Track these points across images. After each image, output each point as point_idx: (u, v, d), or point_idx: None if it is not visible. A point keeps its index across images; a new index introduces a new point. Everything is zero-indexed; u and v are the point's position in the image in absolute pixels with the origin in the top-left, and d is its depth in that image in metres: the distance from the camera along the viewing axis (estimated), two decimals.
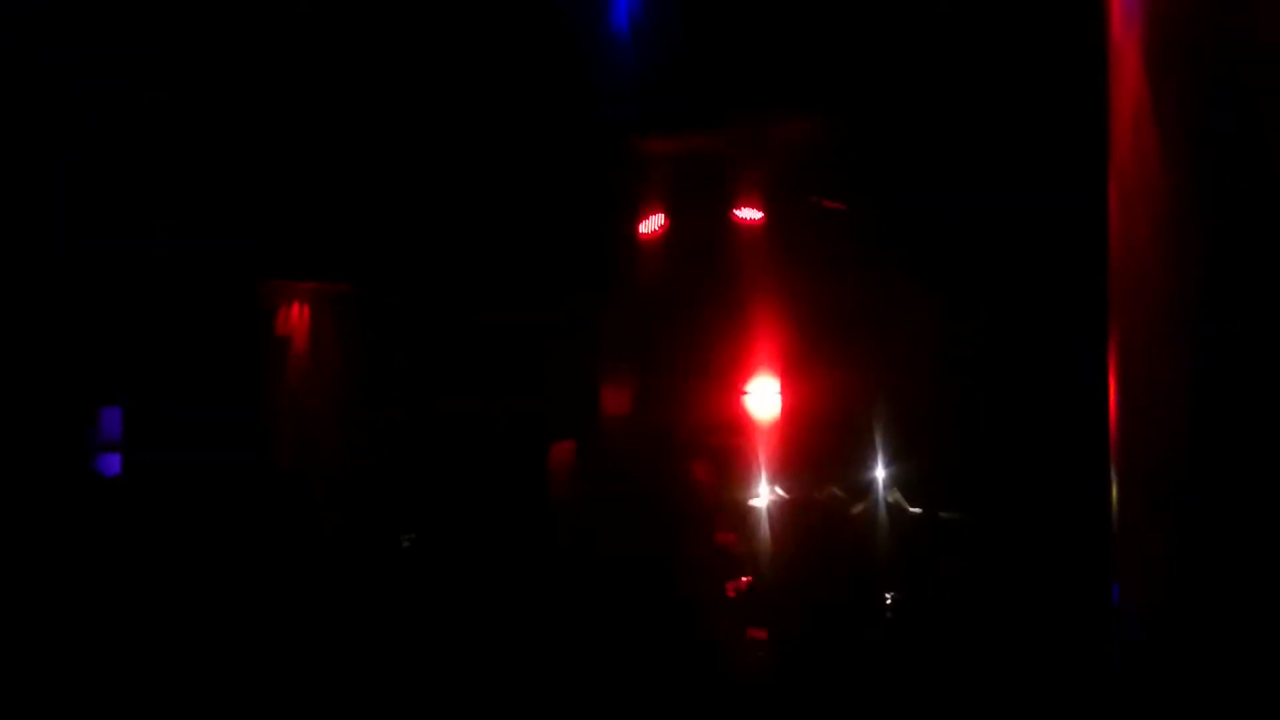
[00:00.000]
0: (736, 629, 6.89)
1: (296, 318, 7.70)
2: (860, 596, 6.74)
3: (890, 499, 7.20)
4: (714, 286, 7.61)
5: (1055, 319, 5.69)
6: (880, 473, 7.24)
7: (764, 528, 7.39)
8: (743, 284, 7.58)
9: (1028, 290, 6.10)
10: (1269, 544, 3.42)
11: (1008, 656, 5.72)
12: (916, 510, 7.06)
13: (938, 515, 6.88)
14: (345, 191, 7.40)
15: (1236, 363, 3.67)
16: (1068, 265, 5.21)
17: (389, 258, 7.63)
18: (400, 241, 7.61)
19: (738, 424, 7.65)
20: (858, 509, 7.25)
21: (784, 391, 7.59)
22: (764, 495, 7.55)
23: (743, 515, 7.47)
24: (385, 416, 7.48)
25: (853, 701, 6.05)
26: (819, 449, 7.47)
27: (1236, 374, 3.66)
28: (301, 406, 7.57)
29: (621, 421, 7.94)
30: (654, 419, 7.78)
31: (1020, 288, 6.15)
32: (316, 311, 7.77)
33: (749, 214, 7.51)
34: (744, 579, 7.19)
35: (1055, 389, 5.79)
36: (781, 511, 7.43)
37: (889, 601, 6.60)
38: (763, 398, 7.61)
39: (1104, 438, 4.38)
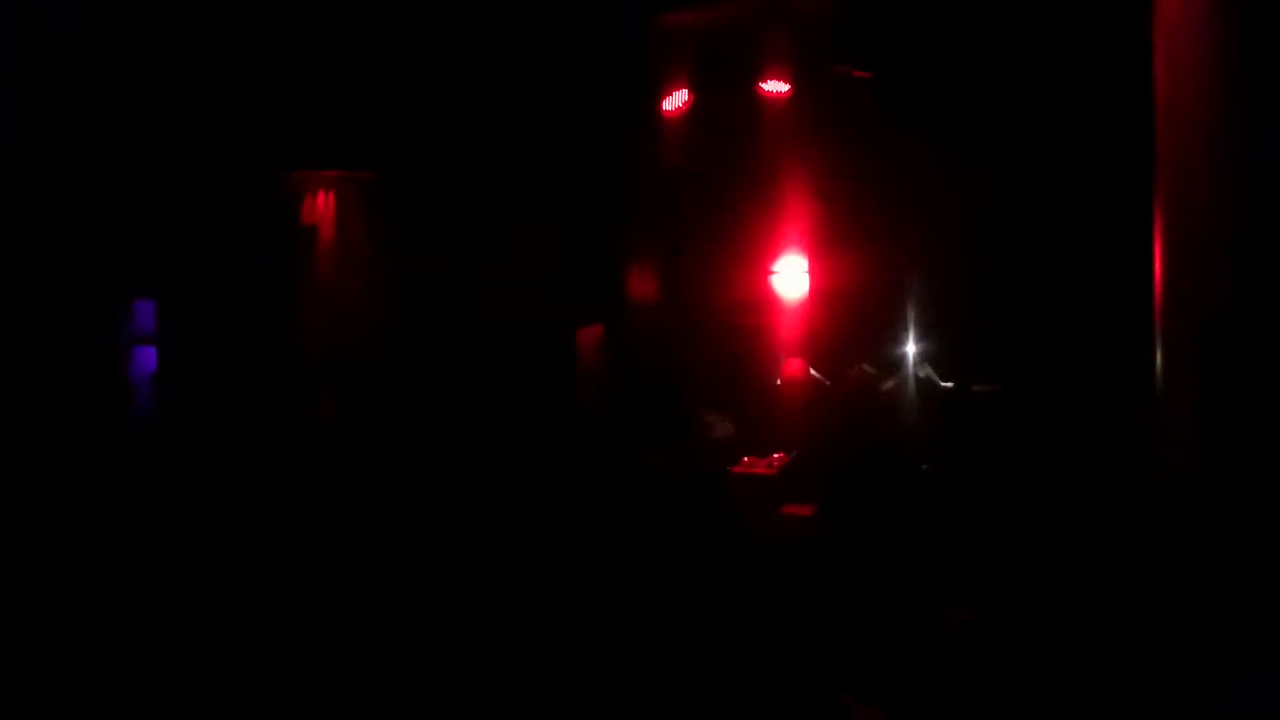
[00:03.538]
0: (773, 505, 6.92)
1: (323, 206, 7.64)
2: (894, 468, 6.76)
3: (921, 374, 7.18)
4: (740, 163, 7.49)
5: (1094, 181, 5.58)
6: (911, 348, 7.22)
7: (795, 405, 7.40)
8: (769, 160, 7.47)
9: (1065, 151, 5.95)
10: None
11: (1043, 524, 5.75)
12: (948, 384, 7.05)
13: (969, 388, 6.86)
14: (367, 77, 7.28)
15: None
16: (1108, 123, 5.08)
17: (414, 145, 7.54)
18: (425, 128, 7.50)
19: (767, 303, 7.61)
20: (889, 384, 7.25)
21: (812, 269, 7.53)
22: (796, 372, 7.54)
23: (774, 393, 7.48)
24: (414, 306, 7.46)
25: (887, 570, 6.10)
26: (849, 325, 7.44)
27: None
28: (329, 296, 7.55)
29: (649, 304, 7.91)
30: (682, 300, 7.75)
31: (1057, 149, 5.99)
32: (342, 200, 7.70)
33: (775, 86, 7.36)
34: (776, 455, 7.22)
35: (1095, 253, 5.71)
36: (814, 389, 7.43)
37: (924, 471, 6.62)
38: (791, 276, 7.56)
39: (1147, 302, 4.35)
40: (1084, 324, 5.90)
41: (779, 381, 7.37)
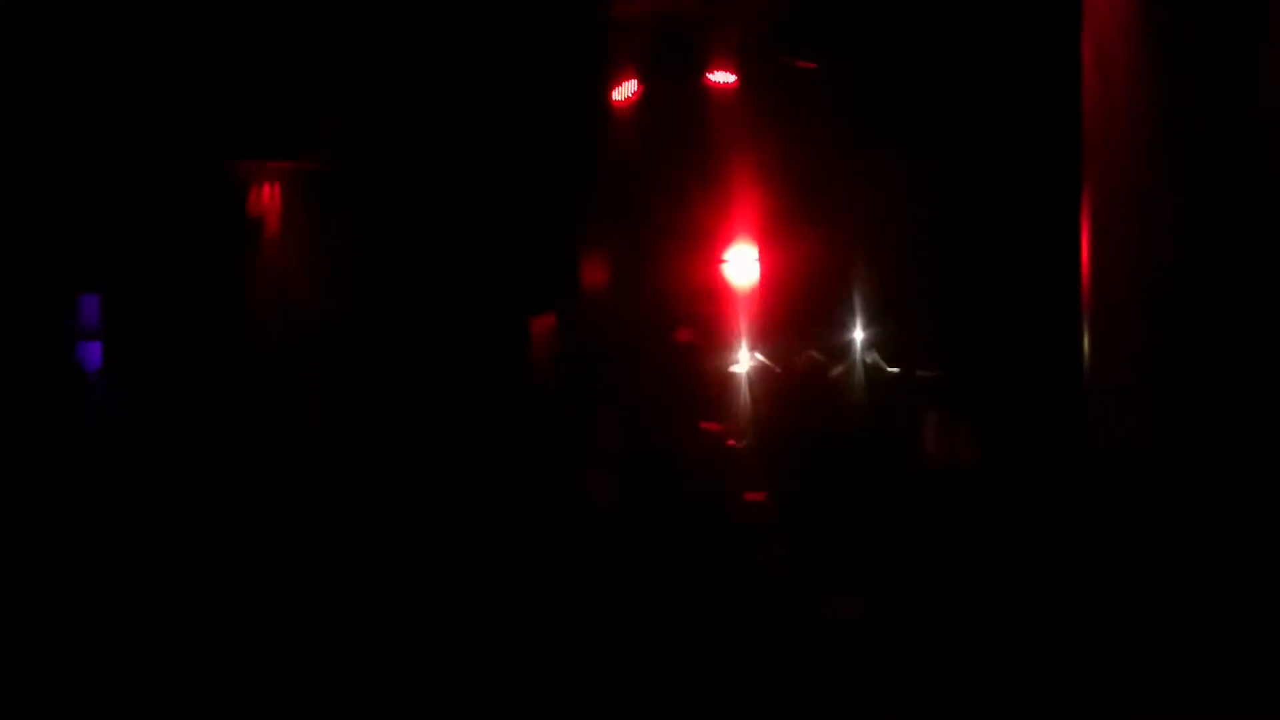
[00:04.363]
0: (732, 492, 6.99)
1: (271, 198, 7.61)
2: (842, 453, 6.86)
3: (869, 360, 7.28)
4: (689, 153, 7.54)
5: (1027, 171, 5.69)
6: (859, 334, 7.32)
7: (745, 393, 7.47)
8: (718, 149, 7.52)
9: (1001, 144, 6.07)
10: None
11: (992, 498, 5.86)
12: (895, 370, 7.15)
13: (915, 373, 6.97)
14: (316, 66, 7.26)
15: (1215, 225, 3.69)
16: (1040, 118, 5.19)
17: (363, 135, 7.52)
18: (374, 118, 7.49)
19: (717, 292, 7.67)
20: (837, 370, 7.34)
21: (762, 257, 7.60)
22: (745, 361, 7.62)
23: (724, 381, 7.55)
24: (363, 298, 7.45)
25: (843, 557, 6.18)
26: (799, 313, 7.52)
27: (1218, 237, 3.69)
28: (277, 289, 7.53)
29: (601, 293, 7.94)
30: (633, 289, 7.79)
31: (993, 141, 6.11)
32: (291, 192, 7.67)
33: (722, 77, 7.41)
34: (729, 442, 7.29)
35: (1027, 243, 5.82)
36: (763, 376, 7.51)
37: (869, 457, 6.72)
38: (741, 264, 7.62)
39: (1075, 289, 4.44)
40: (1019, 312, 6.01)
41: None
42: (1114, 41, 4.19)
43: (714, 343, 7.61)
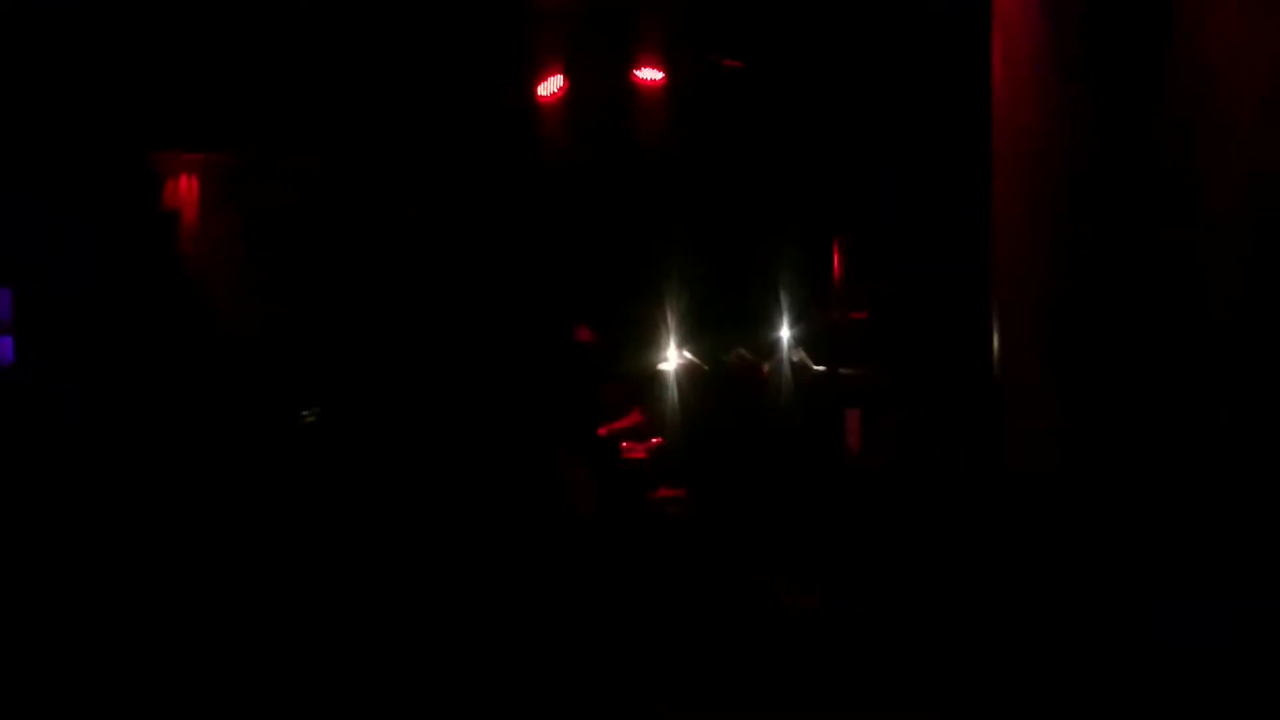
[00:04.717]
0: (651, 489, 6.98)
1: (187, 190, 7.47)
2: (763, 452, 6.88)
3: (795, 358, 7.31)
4: (616, 149, 7.53)
5: (945, 173, 5.73)
6: (785, 333, 7.36)
7: (673, 390, 7.47)
8: (646, 146, 7.52)
9: (917, 144, 6.12)
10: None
11: (910, 481, 5.90)
12: (820, 368, 7.19)
13: (838, 371, 7.01)
14: (234, 57, 7.13)
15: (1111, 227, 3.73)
16: (955, 119, 5.22)
17: (281, 128, 7.41)
18: (293, 109, 7.37)
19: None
20: (765, 368, 7.37)
21: (696, 255, 7.61)
22: (672, 359, 7.63)
23: (650, 379, 7.54)
24: (283, 290, 7.34)
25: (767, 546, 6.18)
26: (731, 311, 7.56)
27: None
28: (196, 281, 7.39)
29: (534, 288, 7.90)
30: (567, 285, 7.75)
31: (910, 141, 6.16)
32: (207, 183, 7.53)
33: (649, 74, 7.40)
34: (654, 440, 7.29)
35: (944, 242, 5.87)
36: (690, 374, 7.52)
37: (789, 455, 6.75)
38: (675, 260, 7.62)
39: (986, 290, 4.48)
40: (935, 310, 6.06)
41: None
42: (1021, 42, 4.23)
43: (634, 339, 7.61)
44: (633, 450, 7.24)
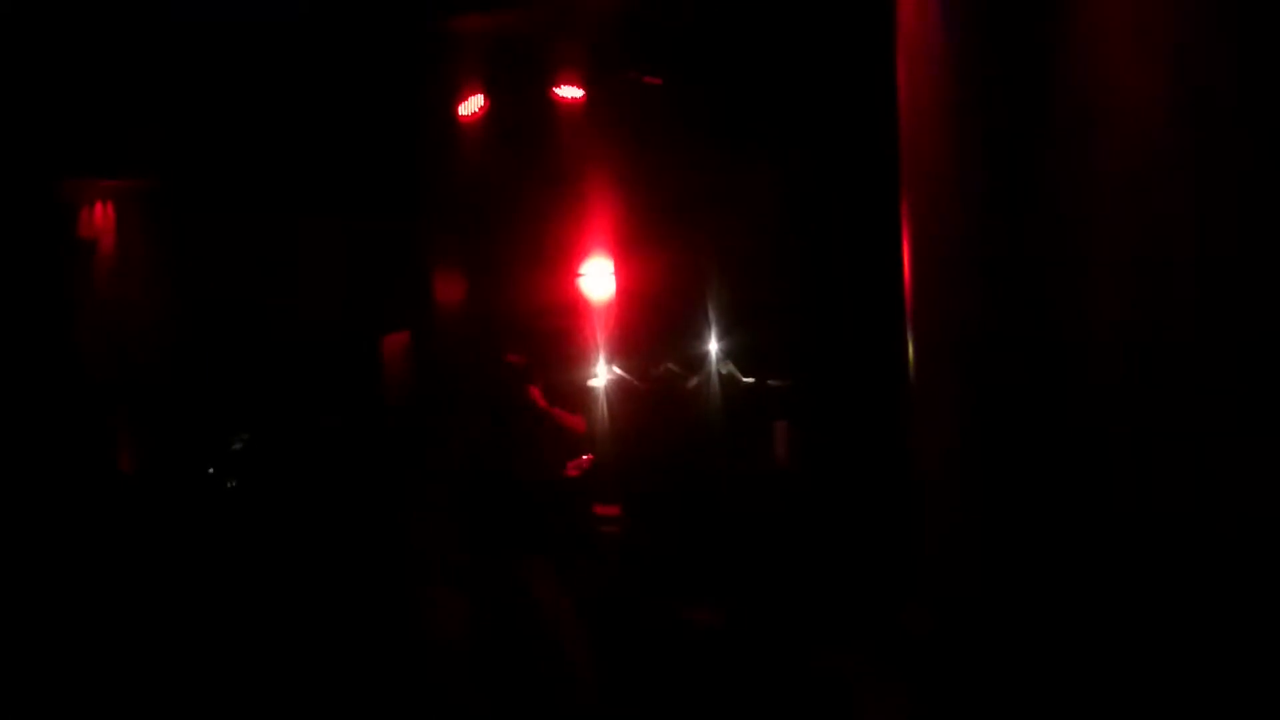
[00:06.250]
0: (583, 506, 6.97)
1: (101, 217, 7.33)
2: (698, 463, 6.90)
3: (724, 371, 7.34)
4: (539, 168, 7.51)
5: (860, 191, 5.79)
6: (714, 346, 7.37)
7: (602, 406, 7.46)
8: (569, 164, 7.50)
9: (835, 163, 6.18)
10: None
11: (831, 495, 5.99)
12: (749, 380, 7.22)
13: (766, 383, 7.04)
14: (147, 80, 7.01)
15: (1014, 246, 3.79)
16: (866, 134, 5.28)
17: (198, 153, 7.30)
18: (209, 134, 7.27)
19: (573, 306, 7.64)
20: (693, 382, 7.38)
21: (617, 271, 7.59)
22: (602, 374, 7.61)
23: (581, 395, 7.52)
24: (202, 317, 7.23)
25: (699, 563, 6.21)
26: (654, 326, 7.55)
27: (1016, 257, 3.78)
28: (112, 310, 7.26)
29: (455, 309, 7.85)
30: (488, 305, 7.71)
31: (830, 162, 6.23)
32: (122, 210, 7.39)
33: (569, 92, 7.39)
34: (585, 457, 7.26)
35: (861, 259, 5.93)
36: (620, 389, 7.51)
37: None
38: (597, 278, 7.61)
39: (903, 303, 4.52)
40: (851, 325, 6.13)
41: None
42: (924, 59, 4.28)
43: (569, 356, 7.59)
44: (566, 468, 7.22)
